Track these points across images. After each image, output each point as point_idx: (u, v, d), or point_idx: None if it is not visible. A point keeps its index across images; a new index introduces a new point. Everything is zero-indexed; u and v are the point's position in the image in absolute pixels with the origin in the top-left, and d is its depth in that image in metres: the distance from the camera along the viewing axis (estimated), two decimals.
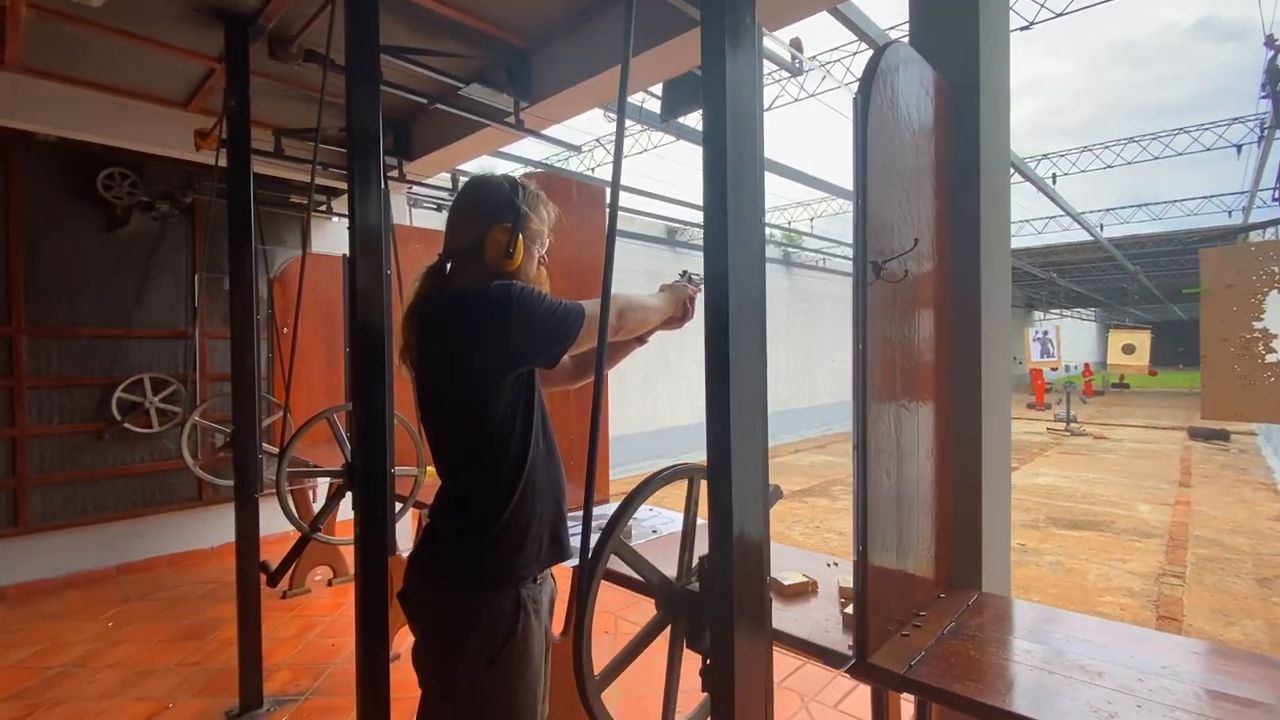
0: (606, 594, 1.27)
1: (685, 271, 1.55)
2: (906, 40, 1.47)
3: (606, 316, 1.08)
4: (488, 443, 1.16)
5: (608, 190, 1.10)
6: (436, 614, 1.18)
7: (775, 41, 2.12)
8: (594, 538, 0.90)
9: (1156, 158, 10.15)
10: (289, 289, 4.35)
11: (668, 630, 1.01)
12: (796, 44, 2.26)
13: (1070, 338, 31.85)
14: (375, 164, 1.65)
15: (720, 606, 0.77)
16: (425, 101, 2.42)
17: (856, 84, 1.13)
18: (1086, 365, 21.65)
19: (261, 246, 2.48)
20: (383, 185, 1.67)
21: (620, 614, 3.23)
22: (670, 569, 1.08)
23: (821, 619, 1.30)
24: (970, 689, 1.00)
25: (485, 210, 1.23)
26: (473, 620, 1.14)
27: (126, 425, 3.98)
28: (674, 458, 8.79)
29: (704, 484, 0.89)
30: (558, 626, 1.45)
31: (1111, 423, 14.11)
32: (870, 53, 1.29)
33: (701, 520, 0.96)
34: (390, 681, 1.71)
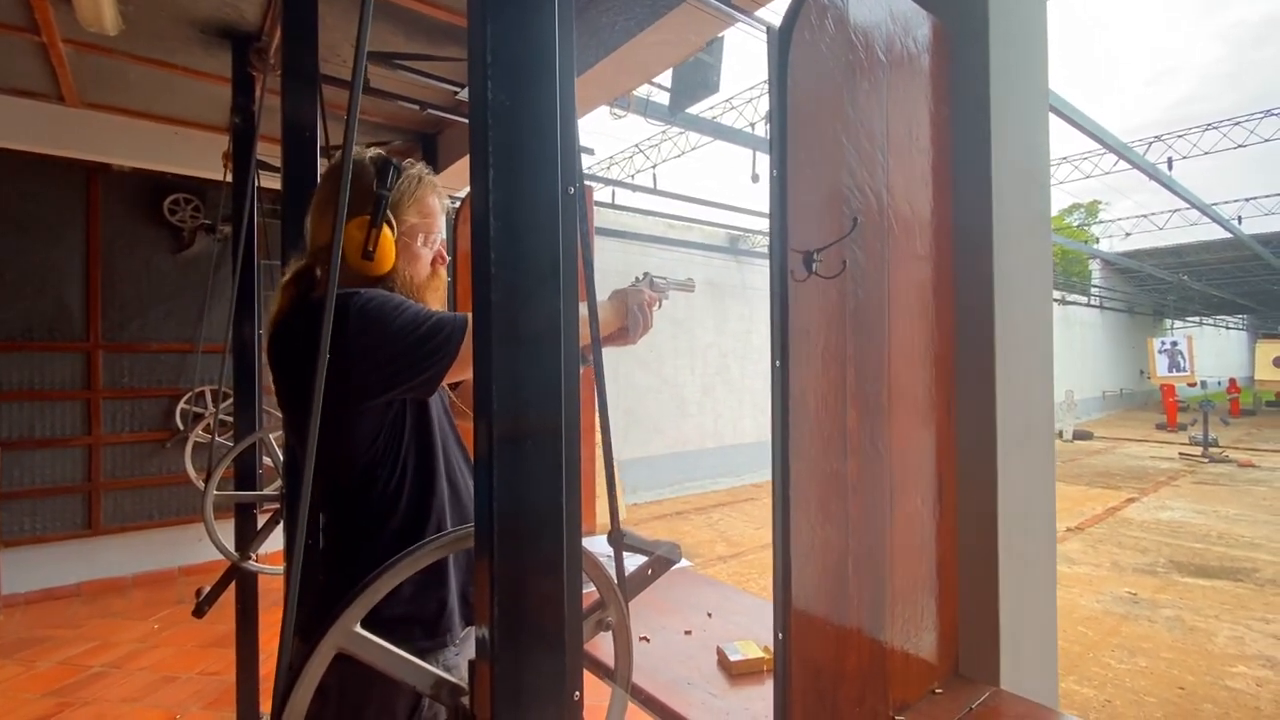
0: None
1: (646, 274, 1.29)
2: None
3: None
4: (356, 496, 0.93)
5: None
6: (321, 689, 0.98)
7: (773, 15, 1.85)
8: None
9: None
10: None
11: None
12: None
13: (1212, 348, 28.02)
14: (311, 164, 1.54)
15: None
16: (417, 108, 2.35)
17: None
18: (1232, 380, 18.86)
19: (267, 262, 2.47)
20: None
21: None
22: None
23: (762, 711, 1.01)
24: None
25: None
26: (363, 696, 0.89)
27: (189, 434, 4.21)
28: (736, 477, 8.38)
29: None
30: None
31: (1262, 448, 12.10)
32: None
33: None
34: None
